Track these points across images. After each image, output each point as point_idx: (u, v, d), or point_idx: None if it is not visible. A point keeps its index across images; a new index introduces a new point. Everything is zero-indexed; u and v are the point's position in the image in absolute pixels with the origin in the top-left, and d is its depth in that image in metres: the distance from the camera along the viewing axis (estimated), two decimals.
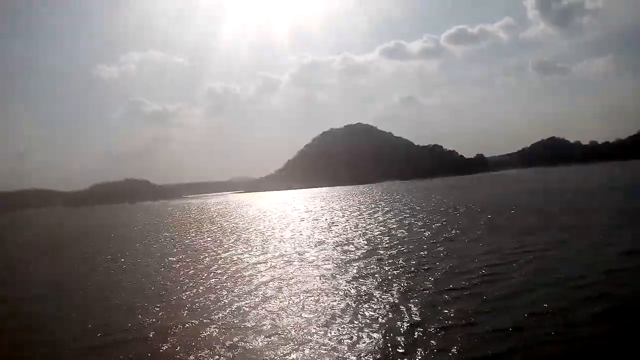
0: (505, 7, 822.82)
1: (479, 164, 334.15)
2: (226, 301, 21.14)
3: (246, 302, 20.97)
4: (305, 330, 16.51)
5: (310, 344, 15.23)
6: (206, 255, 35.97)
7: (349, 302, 19.63)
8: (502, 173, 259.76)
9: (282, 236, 44.72)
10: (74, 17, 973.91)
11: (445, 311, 17.68)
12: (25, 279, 31.76)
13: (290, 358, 14.39)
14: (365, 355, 14.09)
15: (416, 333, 15.62)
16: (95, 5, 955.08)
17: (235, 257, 33.31)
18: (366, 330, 16.12)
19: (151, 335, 17.23)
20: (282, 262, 30.08)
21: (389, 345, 14.79)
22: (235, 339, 16.31)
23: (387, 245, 33.74)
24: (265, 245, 38.58)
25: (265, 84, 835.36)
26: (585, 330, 14.67)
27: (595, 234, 31.21)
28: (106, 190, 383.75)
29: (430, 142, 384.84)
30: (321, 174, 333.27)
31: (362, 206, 75.46)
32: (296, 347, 15.04)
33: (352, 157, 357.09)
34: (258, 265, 29.42)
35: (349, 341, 15.30)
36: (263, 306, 20.11)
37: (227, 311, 19.69)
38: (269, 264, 29.80)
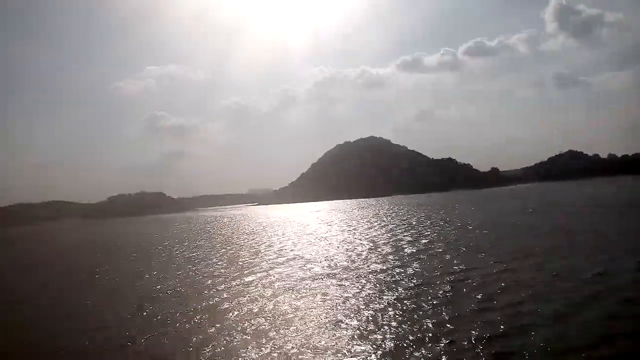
0: (524, 20, 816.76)
1: (494, 178, 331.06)
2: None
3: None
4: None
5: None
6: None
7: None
8: (518, 187, 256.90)
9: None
10: (95, 32, 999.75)
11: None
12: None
13: None
14: None
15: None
16: (116, 21, 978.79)
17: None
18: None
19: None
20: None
21: None
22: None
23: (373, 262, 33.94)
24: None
25: (282, 98, 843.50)
26: None
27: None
28: (122, 202, 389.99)
29: (446, 156, 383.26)
30: (333, 187, 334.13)
31: (353, 222, 72.98)
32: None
33: (365, 170, 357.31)
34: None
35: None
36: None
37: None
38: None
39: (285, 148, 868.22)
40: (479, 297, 21.78)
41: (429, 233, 47.06)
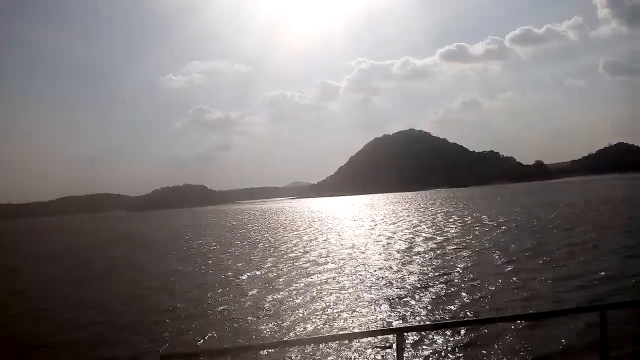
0: (574, 6, 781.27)
1: (538, 171, 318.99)
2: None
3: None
4: None
5: None
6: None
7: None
8: (564, 181, 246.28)
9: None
10: (143, 30, 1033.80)
11: None
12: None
13: None
14: None
15: None
16: (163, 19, 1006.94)
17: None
18: None
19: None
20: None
21: None
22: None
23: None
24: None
25: (324, 90, 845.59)
26: None
27: None
28: (165, 195, 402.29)
29: (490, 148, 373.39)
30: (370, 181, 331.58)
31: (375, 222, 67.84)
32: None
33: (403, 164, 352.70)
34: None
35: None
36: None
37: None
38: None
39: (326, 140, 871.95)
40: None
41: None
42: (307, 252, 37.49)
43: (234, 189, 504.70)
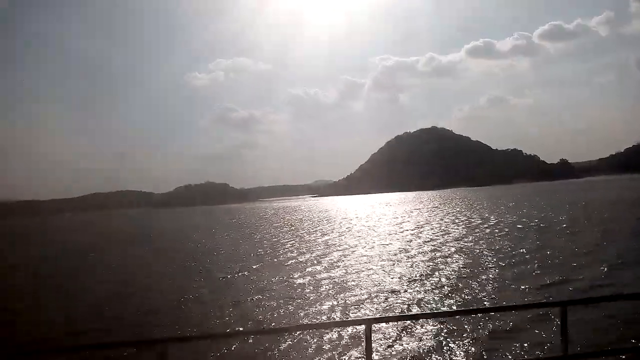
0: (604, 1, 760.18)
1: (563, 169, 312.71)
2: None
3: None
4: None
5: None
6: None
7: None
8: (588, 180, 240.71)
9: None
10: (168, 28, 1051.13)
11: None
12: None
13: None
14: None
15: None
16: (187, 17, 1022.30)
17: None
18: None
19: None
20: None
21: None
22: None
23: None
24: None
25: (347, 88, 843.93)
26: None
27: None
28: (188, 193, 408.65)
29: (513, 146, 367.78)
30: (391, 179, 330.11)
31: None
32: None
33: (424, 162, 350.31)
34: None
35: None
36: None
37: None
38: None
39: (350, 138, 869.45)
40: None
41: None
42: (295, 255, 38.41)
43: (256, 187, 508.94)
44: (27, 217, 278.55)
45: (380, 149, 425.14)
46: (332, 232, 54.47)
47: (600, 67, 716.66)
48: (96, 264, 38.90)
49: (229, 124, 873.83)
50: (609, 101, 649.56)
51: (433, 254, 31.54)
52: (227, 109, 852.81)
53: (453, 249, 32.76)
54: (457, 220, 56.89)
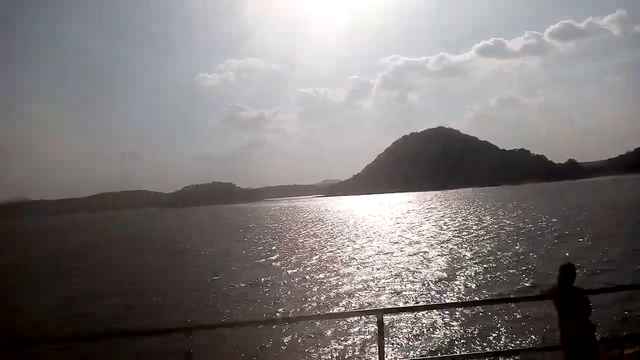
0: None
1: (571, 169, 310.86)
2: None
3: None
4: None
5: None
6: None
7: None
8: (596, 180, 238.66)
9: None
10: (179, 29, 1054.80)
11: None
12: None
13: None
14: None
15: None
16: (198, 18, 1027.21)
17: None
18: None
19: None
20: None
21: None
22: None
23: None
24: None
25: (356, 88, 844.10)
26: None
27: None
28: (195, 193, 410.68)
29: (521, 146, 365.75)
30: (397, 179, 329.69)
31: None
32: None
33: (431, 162, 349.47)
34: None
35: None
36: None
37: None
38: None
39: (357, 137, 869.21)
40: None
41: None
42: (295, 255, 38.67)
43: (263, 187, 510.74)
44: (26, 217, 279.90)
45: (387, 149, 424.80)
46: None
47: (612, 66, 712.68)
48: (110, 265, 38.90)
49: (238, 123, 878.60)
50: (620, 100, 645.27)
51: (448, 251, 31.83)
52: (236, 108, 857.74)
53: (463, 248, 32.91)
54: (450, 222, 56.36)
